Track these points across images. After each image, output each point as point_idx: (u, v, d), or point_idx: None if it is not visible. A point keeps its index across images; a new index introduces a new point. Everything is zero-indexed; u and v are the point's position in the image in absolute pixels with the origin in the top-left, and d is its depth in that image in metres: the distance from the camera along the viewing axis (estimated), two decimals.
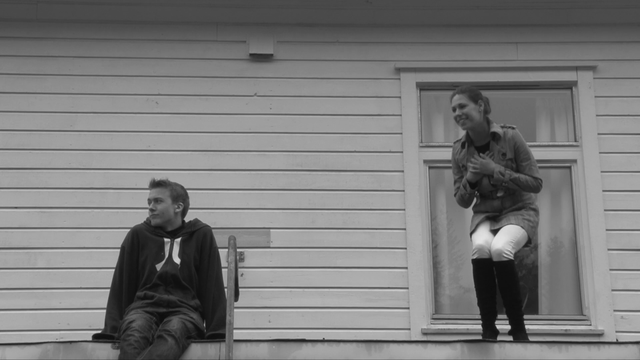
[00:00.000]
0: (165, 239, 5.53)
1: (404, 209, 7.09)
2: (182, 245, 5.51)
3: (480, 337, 5.42)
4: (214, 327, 5.36)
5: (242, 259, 6.92)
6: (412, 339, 6.71)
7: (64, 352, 5.09)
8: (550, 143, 7.35)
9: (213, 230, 5.67)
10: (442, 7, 7.45)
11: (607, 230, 7.03)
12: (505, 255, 5.42)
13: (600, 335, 6.79)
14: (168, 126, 7.22)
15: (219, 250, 5.61)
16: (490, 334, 5.47)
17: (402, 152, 7.21)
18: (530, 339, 5.42)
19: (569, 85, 7.41)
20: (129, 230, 5.65)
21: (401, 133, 7.25)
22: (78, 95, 7.26)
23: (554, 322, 6.93)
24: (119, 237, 5.72)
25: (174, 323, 5.10)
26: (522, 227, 5.52)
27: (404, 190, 7.13)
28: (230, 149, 7.20)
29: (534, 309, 6.92)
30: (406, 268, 6.97)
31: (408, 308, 6.90)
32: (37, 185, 7.06)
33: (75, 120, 7.21)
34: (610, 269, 6.96)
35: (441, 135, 7.36)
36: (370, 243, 7.02)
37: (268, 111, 7.29)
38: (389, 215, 7.08)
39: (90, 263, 6.88)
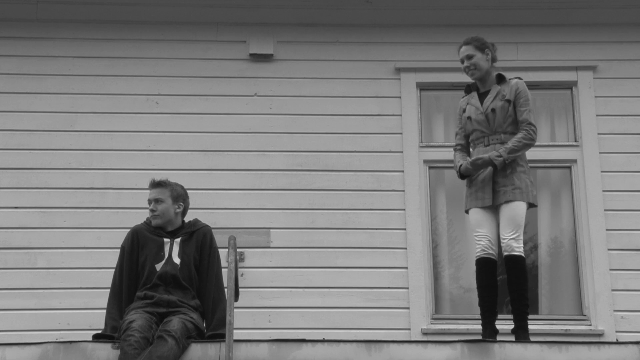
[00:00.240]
0: (165, 239, 5.53)
1: (404, 209, 7.09)
2: (182, 246, 5.51)
3: (480, 337, 5.42)
4: (214, 327, 5.36)
5: (242, 259, 6.92)
6: (412, 339, 6.71)
7: (64, 352, 5.09)
8: (551, 143, 7.36)
9: (213, 230, 5.66)
10: (442, 7, 7.46)
11: (607, 230, 7.03)
12: (516, 250, 5.44)
13: (600, 335, 6.79)
14: (168, 126, 7.22)
15: (219, 250, 5.61)
16: (490, 333, 5.48)
17: (402, 152, 7.21)
18: (531, 338, 5.41)
19: (569, 85, 7.41)
20: (129, 230, 5.64)
21: (401, 133, 7.25)
22: (78, 95, 7.27)
23: (554, 322, 6.93)
24: (119, 237, 5.72)
25: (174, 323, 5.10)
26: (519, 202, 5.50)
27: (404, 190, 7.13)
28: (230, 149, 7.20)
29: (534, 309, 6.91)
30: (406, 268, 6.97)
31: (408, 308, 6.90)
32: (37, 185, 7.06)
33: (75, 120, 7.21)
34: (611, 269, 6.96)
35: (441, 135, 7.36)
36: (370, 243, 7.02)
37: (268, 111, 7.29)
38: (389, 215, 7.08)
39: (90, 263, 6.88)
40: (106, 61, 7.34)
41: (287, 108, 7.29)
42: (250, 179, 7.13)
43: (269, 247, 7.00)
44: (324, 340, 5.17)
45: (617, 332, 6.81)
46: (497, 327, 5.56)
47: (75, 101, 7.25)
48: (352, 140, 7.23)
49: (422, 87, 7.40)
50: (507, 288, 5.53)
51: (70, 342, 5.16)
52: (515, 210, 5.50)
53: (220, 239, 5.67)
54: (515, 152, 5.54)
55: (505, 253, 5.50)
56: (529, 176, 5.60)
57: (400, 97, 7.33)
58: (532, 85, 6.83)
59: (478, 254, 5.61)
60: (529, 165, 5.75)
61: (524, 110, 5.61)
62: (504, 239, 5.51)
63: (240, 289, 5.36)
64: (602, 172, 7.15)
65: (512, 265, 5.48)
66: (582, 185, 7.16)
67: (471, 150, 5.78)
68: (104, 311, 5.47)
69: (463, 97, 5.89)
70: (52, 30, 7.38)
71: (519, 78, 5.75)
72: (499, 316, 5.69)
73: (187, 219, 5.71)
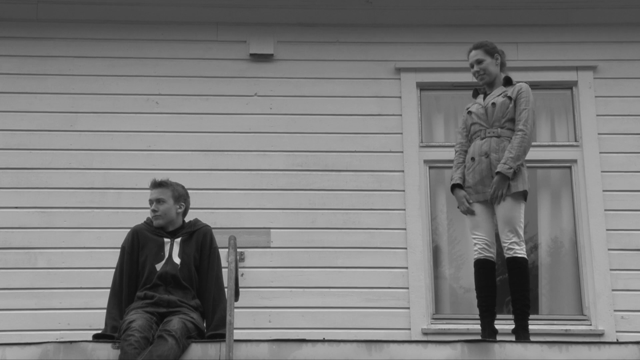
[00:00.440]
0: (165, 239, 5.53)
1: (404, 209, 7.09)
2: (182, 245, 5.51)
3: (480, 337, 5.42)
4: (214, 327, 5.36)
5: (242, 259, 6.92)
6: (412, 339, 6.71)
7: (64, 352, 5.08)
8: (551, 143, 7.36)
9: (213, 230, 5.66)
10: (442, 7, 7.46)
11: (607, 230, 7.03)
12: (519, 253, 5.44)
13: (600, 335, 6.79)
14: (168, 126, 7.22)
15: (219, 250, 5.61)
16: (489, 333, 5.48)
17: (402, 152, 7.21)
18: (531, 338, 5.41)
19: (569, 85, 7.41)
20: (129, 230, 5.64)
21: (401, 133, 7.25)
22: (78, 95, 7.27)
23: (554, 322, 6.93)
24: (119, 237, 5.71)
25: (174, 323, 5.10)
26: (515, 203, 5.49)
27: (404, 190, 7.13)
28: (230, 149, 7.20)
29: (534, 309, 6.89)
30: (406, 268, 6.98)
31: (408, 308, 6.90)
32: (37, 185, 7.06)
33: (76, 120, 7.21)
34: (611, 269, 6.96)
35: (441, 135, 7.36)
36: (370, 243, 7.02)
37: (268, 111, 7.29)
38: (389, 215, 7.08)
39: (90, 263, 6.88)
40: (106, 61, 7.34)
41: (287, 108, 7.29)
42: (250, 179, 7.13)
43: (269, 247, 7.00)
44: (324, 340, 5.17)
45: (617, 332, 6.81)
46: (497, 327, 5.56)
47: (75, 101, 7.25)
48: (352, 140, 7.23)
49: (422, 87, 7.40)
50: (509, 288, 5.53)
51: (70, 342, 5.16)
52: (512, 212, 5.50)
53: (220, 239, 5.67)
54: (520, 158, 5.54)
55: (507, 255, 5.50)
56: (524, 168, 5.59)
57: (400, 97, 7.33)
58: (532, 85, 6.82)
59: (476, 256, 5.61)
60: (530, 164, 5.75)
61: (522, 110, 5.60)
62: (505, 243, 5.50)
63: (240, 289, 5.36)
64: (602, 172, 7.15)
65: (515, 266, 5.48)
66: (582, 185, 7.16)
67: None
68: (104, 311, 5.47)
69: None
70: (52, 30, 7.38)
71: (525, 84, 5.76)
72: (499, 316, 5.69)
73: (187, 218, 5.71)
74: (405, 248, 7.01)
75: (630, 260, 6.99)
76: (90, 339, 5.29)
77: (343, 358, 5.07)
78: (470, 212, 5.62)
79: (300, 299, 6.88)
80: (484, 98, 5.77)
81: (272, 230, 7.03)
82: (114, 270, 5.58)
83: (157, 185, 5.61)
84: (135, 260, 5.51)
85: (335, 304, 6.88)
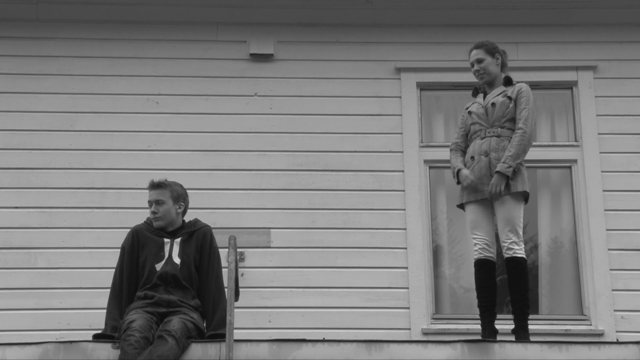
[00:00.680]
0: (165, 239, 5.52)
1: (404, 209, 7.09)
2: (182, 245, 5.51)
3: (480, 337, 5.42)
4: (214, 327, 5.36)
5: (242, 259, 6.92)
6: (412, 339, 6.71)
7: (64, 352, 5.08)
8: (551, 143, 7.36)
9: (213, 230, 5.66)
10: (442, 7, 7.46)
11: (607, 230, 7.03)
12: (518, 253, 5.45)
13: (600, 335, 6.79)
14: (168, 126, 7.22)
15: (219, 250, 5.61)
16: (489, 333, 5.48)
17: (402, 152, 7.21)
18: (531, 338, 5.41)
19: (569, 85, 7.41)
20: (129, 230, 5.64)
21: (401, 133, 7.25)
22: (78, 95, 7.27)
23: (554, 322, 6.93)
24: (119, 237, 5.71)
25: (175, 323, 5.10)
26: (514, 203, 5.49)
27: (404, 190, 7.13)
28: (230, 149, 7.20)
29: (534, 309, 6.90)
30: (406, 268, 6.98)
31: (408, 308, 6.90)
32: (37, 185, 7.06)
33: (76, 120, 7.21)
34: (611, 269, 6.96)
35: (441, 135, 7.36)
36: (370, 243, 7.02)
37: (268, 111, 7.29)
38: (389, 215, 7.08)
39: (90, 263, 6.88)
40: (106, 61, 7.34)
41: (287, 108, 7.29)
42: (250, 179, 7.13)
43: (269, 247, 7.00)
44: (324, 340, 5.17)
45: (617, 332, 6.81)
46: (498, 327, 5.56)
47: (75, 101, 7.25)
48: (352, 140, 7.24)
49: (422, 87, 7.40)
50: (508, 288, 5.53)
51: (70, 342, 5.16)
52: (511, 212, 5.50)
53: (220, 239, 5.67)
54: (520, 157, 5.54)
55: (507, 255, 5.50)
56: (524, 168, 5.59)
57: (400, 97, 7.33)
58: (532, 85, 6.82)
59: (476, 256, 5.62)
60: (530, 164, 5.75)
61: (522, 109, 5.60)
62: (504, 243, 5.51)
63: (240, 289, 5.36)
64: (602, 172, 7.15)
65: (514, 266, 5.48)
66: (582, 185, 7.16)
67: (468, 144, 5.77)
68: (104, 311, 5.47)
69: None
70: (52, 30, 7.38)
71: (525, 84, 5.76)
72: (499, 316, 5.69)
73: (187, 218, 5.71)
74: (405, 248, 7.01)
75: (630, 260, 6.99)
76: (90, 339, 5.29)
77: (343, 358, 5.07)
78: (472, 183, 5.58)
79: (300, 299, 6.88)
80: (484, 98, 5.77)
81: (272, 230, 7.03)
82: (114, 270, 5.57)
83: (155, 186, 5.60)
84: (135, 260, 5.51)
85: (335, 304, 6.88)
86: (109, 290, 5.54)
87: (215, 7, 7.43)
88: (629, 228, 7.04)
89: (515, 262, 5.47)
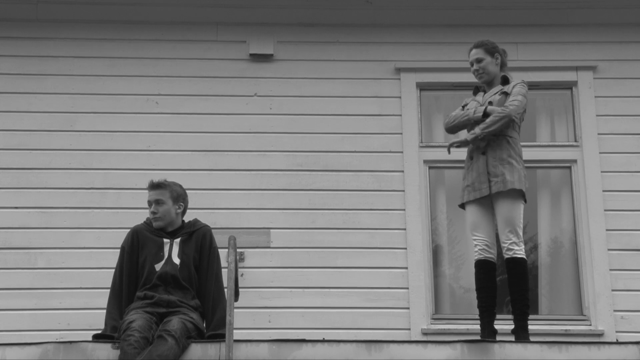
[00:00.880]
0: (165, 239, 5.53)
1: (404, 209, 7.09)
2: (182, 246, 5.51)
3: (480, 338, 5.42)
4: (214, 327, 5.36)
5: (242, 259, 6.92)
6: (412, 339, 6.71)
7: (64, 352, 5.09)
8: (551, 143, 7.36)
9: (213, 230, 5.66)
10: (442, 7, 7.46)
11: (607, 230, 7.03)
12: (518, 253, 5.45)
13: (600, 335, 6.79)
14: (168, 126, 7.22)
15: (219, 250, 5.61)
16: (489, 333, 5.48)
17: (402, 152, 7.21)
18: (531, 339, 5.42)
19: (569, 85, 7.41)
20: (129, 230, 5.64)
21: (401, 133, 7.25)
22: (78, 95, 7.27)
23: (554, 322, 6.93)
24: (119, 237, 5.71)
25: (174, 323, 5.10)
26: (514, 202, 5.50)
27: (404, 190, 7.13)
28: (230, 149, 7.20)
29: (534, 309, 6.90)
30: (406, 268, 6.98)
31: (408, 308, 6.90)
32: (37, 185, 7.06)
33: (75, 120, 7.21)
34: (611, 269, 6.96)
35: (441, 135, 7.36)
36: (370, 243, 7.02)
37: (268, 111, 7.29)
38: (389, 215, 7.08)
39: (90, 263, 6.88)
40: (106, 61, 7.34)
41: (287, 108, 7.29)
42: (250, 179, 7.13)
43: (269, 247, 7.00)
44: (324, 340, 5.17)
45: (617, 332, 6.81)
46: (497, 327, 5.56)
47: (75, 101, 7.25)
48: (352, 140, 7.23)
49: (422, 87, 7.40)
50: (508, 288, 5.53)
51: (70, 342, 5.16)
52: (511, 212, 5.50)
53: (220, 239, 5.67)
54: (489, 127, 5.54)
55: (507, 256, 5.51)
56: (522, 168, 5.58)
57: (400, 97, 7.33)
58: (532, 85, 6.86)
59: (476, 257, 5.62)
60: (530, 164, 5.75)
61: (512, 100, 5.59)
62: (504, 244, 5.51)
63: (240, 289, 5.36)
64: (602, 172, 7.15)
65: (513, 267, 5.49)
66: (582, 185, 7.16)
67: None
68: (104, 311, 5.47)
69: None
70: (52, 30, 7.38)
71: (523, 81, 5.76)
72: (499, 316, 5.69)
73: (187, 218, 5.71)
74: (405, 248, 7.01)
75: (630, 260, 6.99)
76: (90, 339, 5.29)
77: (343, 358, 5.07)
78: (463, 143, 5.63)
79: (300, 299, 6.88)
80: (483, 97, 5.77)
81: (272, 230, 7.03)
82: (113, 270, 5.58)
83: (155, 186, 5.60)
84: (135, 260, 5.51)
85: (335, 304, 6.88)
86: (108, 290, 5.54)
87: (215, 7, 7.43)
88: (628, 228, 7.04)
89: (515, 262, 5.48)
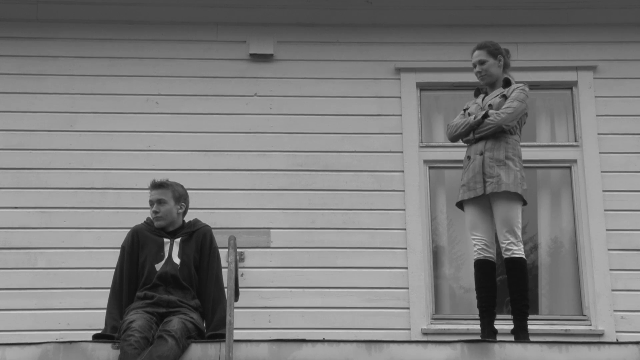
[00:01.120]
0: (165, 239, 5.53)
1: (404, 209, 7.09)
2: (182, 246, 5.51)
3: (480, 338, 5.42)
4: (214, 327, 5.36)
5: (242, 259, 6.92)
6: (412, 339, 6.71)
7: (64, 352, 5.09)
8: (550, 143, 7.36)
9: (213, 230, 5.66)
10: (442, 7, 7.46)
11: (607, 230, 7.03)
12: (517, 253, 5.45)
13: (600, 335, 6.79)
14: (168, 126, 7.22)
15: (219, 250, 5.61)
16: (489, 333, 5.48)
17: (402, 152, 7.21)
18: (531, 339, 5.41)
19: (569, 85, 7.41)
20: (129, 230, 5.64)
21: (401, 133, 7.25)
22: (78, 95, 7.27)
23: (554, 322, 6.93)
24: (119, 237, 5.71)
25: (174, 323, 5.10)
26: (511, 203, 5.49)
27: (404, 191, 7.13)
28: (230, 149, 7.20)
29: (534, 309, 6.90)
30: (406, 268, 6.97)
31: (408, 308, 6.90)
32: (37, 185, 7.06)
33: (75, 120, 7.21)
34: (611, 269, 6.96)
35: (441, 135, 7.35)
36: (370, 243, 7.02)
37: (268, 111, 7.29)
38: (389, 216, 7.08)
39: (90, 263, 6.88)
40: (106, 61, 7.34)
41: (287, 108, 7.29)
42: (250, 179, 7.13)
43: (269, 247, 7.00)
44: (324, 340, 5.17)
45: (617, 332, 6.81)
46: (497, 327, 5.56)
47: (75, 101, 7.25)
48: (352, 140, 7.23)
49: (422, 87, 7.40)
50: (508, 289, 5.53)
51: (70, 342, 5.16)
52: (508, 213, 5.50)
53: (220, 239, 5.67)
54: (480, 134, 5.57)
55: (506, 256, 5.51)
56: (520, 170, 5.57)
57: (400, 97, 7.33)
58: (532, 85, 6.87)
59: (475, 256, 5.62)
60: (530, 164, 5.74)
61: (506, 107, 5.58)
62: (503, 244, 5.51)
63: (240, 289, 5.36)
64: (602, 172, 7.15)
65: (513, 267, 5.49)
66: (582, 185, 7.16)
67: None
68: (104, 311, 5.47)
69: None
70: (52, 30, 7.37)
71: (524, 83, 5.75)
72: (499, 316, 5.69)
73: (187, 218, 5.71)
74: (405, 248, 7.01)
75: (630, 260, 6.98)
76: (90, 339, 5.29)
77: (343, 358, 5.07)
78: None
79: (300, 299, 6.88)
80: (484, 99, 5.77)
81: (272, 230, 7.03)
82: (114, 270, 5.58)
83: (157, 186, 5.60)
84: (135, 260, 5.51)
85: (335, 304, 6.88)
86: (108, 290, 5.54)
87: (215, 7, 7.43)
88: (628, 228, 7.04)
89: (514, 262, 5.47)
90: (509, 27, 7.39)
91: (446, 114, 7.40)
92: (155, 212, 5.55)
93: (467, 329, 6.65)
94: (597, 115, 7.27)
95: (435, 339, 6.49)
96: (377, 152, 7.21)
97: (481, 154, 5.57)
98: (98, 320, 5.61)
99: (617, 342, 5.54)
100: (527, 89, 5.69)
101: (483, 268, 5.59)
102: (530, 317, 5.57)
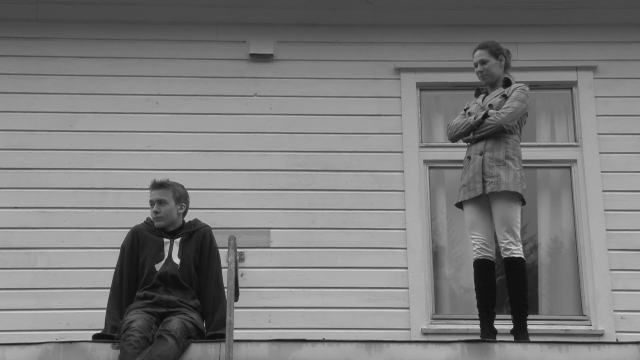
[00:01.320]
0: (165, 239, 5.53)
1: (404, 209, 7.09)
2: (182, 246, 5.51)
3: (479, 338, 5.42)
4: (214, 327, 5.36)
5: (242, 259, 6.92)
6: (412, 339, 6.71)
7: (64, 352, 5.09)
8: (550, 143, 7.36)
9: (213, 230, 5.66)
10: (442, 7, 7.45)
11: (607, 230, 7.03)
12: (515, 253, 5.45)
13: (600, 335, 6.79)
14: (168, 126, 7.22)
15: (219, 250, 5.61)
16: (488, 333, 5.48)
17: (402, 152, 7.21)
18: (530, 339, 5.41)
19: (569, 85, 7.41)
20: (129, 230, 5.64)
21: (401, 133, 7.25)
22: (78, 95, 7.27)
23: (554, 322, 6.93)
24: (119, 237, 5.71)
25: (174, 323, 5.10)
26: (510, 203, 5.49)
27: (404, 191, 7.13)
28: (230, 149, 7.20)
29: (534, 309, 6.91)
30: (406, 268, 6.97)
31: (408, 308, 6.90)
32: (37, 185, 7.06)
33: (75, 120, 7.21)
34: (610, 269, 6.96)
35: (441, 135, 7.35)
36: (370, 243, 7.02)
37: (268, 111, 7.29)
38: (389, 216, 7.08)
39: (90, 263, 6.88)
40: (106, 61, 7.34)
41: (287, 108, 7.29)
42: (250, 179, 7.13)
43: (269, 247, 7.00)
44: (324, 340, 5.17)
45: (617, 332, 6.81)
46: (497, 327, 5.56)
47: (75, 101, 7.25)
48: (352, 140, 7.23)
49: (422, 87, 7.40)
50: (507, 289, 5.53)
51: (70, 342, 5.16)
52: (508, 212, 5.50)
53: (220, 239, 5.67)
54: (481, 133, 5.57)
55: (504, 256, 5.51)
56: (519, 170, 5.57)
57: (400, 97, 7.33)
58: (532, 85, 6.88)
59: (475, 256, 5.62)
60: (530, 164, 5.74)
61: (507, 107, 5.58)
62: (502, 244, 5.51)
63: (240, 289, 5.36)
64: (602, 172, 7.15)
65: (511, 267, 5.49)
66: (582, 185, 7.16)
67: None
68: (104, 311, 5.47)
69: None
70: (52, 30, 7.37)
71: (524, 82, 5.75)
72: (499, 316, 5.69)
73: (187, 218, 5.71)
74: (405, 248, 7.01)
75: (630, 260, 6.98)
76: (90, 339, 5.29)
77: (343, 358, 5.07)
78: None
79: (300, 299, 6.88)
80: (484, 99, 5.77)
81: (272, 230, 7.03)
82: (113, 270, 5.58)
83: (157, 186, 5.60)
84: (135, 260, 5.51)
85: (335, 304, 6.88)
86: (108, 290, 5.54)
87: (215, 7, 7.43)
88: (628, 228, 7.04)
89: (512, 262, 5.47)
90: (509, 27, 7.39)
91: (446, 114, 7.40)
92: (156, 213, 5.55)
93: (467, 329, 6.65)
94: (597, 116, 7.27)
95: (435, 339, 6.49)
96: (377, 152, 7.21)
97: (481, 153, 5.57)
98: (98, 320, 5.61)
99: (617, 342, 5.54)
100: (527, 88, 5.69)
101: (482, 268, 5.59)
102: (530, 317, 5.57)
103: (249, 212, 7.05)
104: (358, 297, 6.91)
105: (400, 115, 7.29)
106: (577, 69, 7.38)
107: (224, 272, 5.35)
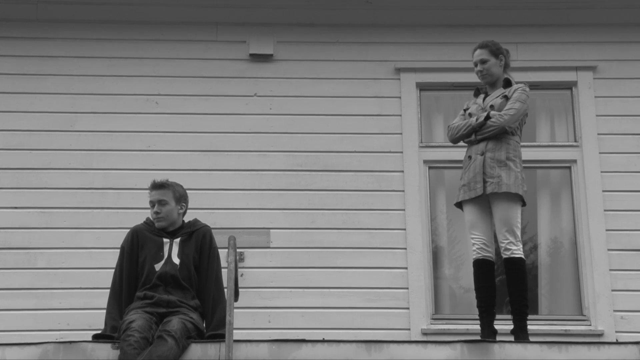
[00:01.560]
0: (165, 239, 5.53)
1: (404, 209, 7.09)
2: (182, 246, 5.51)
3: (479, 338, 5.42)
4: (214, 327, 5.36)
5: (242, 259, 6.92)
6: (412, 339, 6.71)
7: (64, 352, 5.09)
8: (550, 143, 7.36)
9: (213, 230, 5.66)
10: (442, 7, 7.46)
11: (607, 230, 7.03)
12: (516, 253, 5.45)
13: (600, 335, 6.79)
14: (168, 126, 7.22)
15: (219, 250, 5.61)
16: (489, 333, 5.48)
17: (402, 152, 7.21)
18: (530, 339, 5.42)
19: (569, 86, 7.41)
20: (129, 230, 5.64)
21: (401, 133, 7.25)
22: (78, 95, 7.27)
23: (554, 322, 6.93)
24: (119, 237, 5.71)
25: (174, 323, 5.10)
26: (510, 204, 5.49)
27: (404, 191, 7.13)
28: (230, 149, 7.20)
29: (534, 309, 6.91)
30: (406, 268, 6.97)
31: (408, 308, 6.90)
32: (37, 185, 7.06)
33: (75, 120, 7.22)
34: (610, 269, 6.96)
35: (441, 135, 7.36)
36: (370, 243, 7.02)
37: (268, 111, 7.29)
38: (389, 216, 7.08)
39: (90, 263, 6.88)
40: (106, 61, 7.34)
41: (287, 108, 7.29)
42: (250, 179, 7.13)
43: (269, 247, 7.00)
44: (324, 341, 5.17)
45: (617, 332, 6.81)
46: (497, 327, 5.56)
47: (75, 101, 7.25)
48: (352, 140, 7.23)
49: (422, 87, 7.40)
50: (507, 289, 5.53)
51: (70, 342, 5.16)
52: (508, 213, 5.50)
53: (220, 239, 5.67)
54: (483, 135, 5.58)
55: (505, 256, 5.51)
56: (520, 171, 5.57)
57: (400, 97, 7.33)
58: (532, 85, 6.88)
59: (474, 256, 5.62)
60: (530, 164, 5.74)
61: (509, 108, 5.58)
62: (502, 244, 5.51)
63: (240, 289, 5.36)
64: (602, 172, 7.15)
65: (512, 267, 5.49)
66: (582, 185, 7.16)
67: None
68: (104, 311, 5.47)
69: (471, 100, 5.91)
70: (52, 30, 7.38)
71: (525, 83, 5.75)
72: (499, 316, 5.69)
73: (187, 218, 5.71)
74: (405, 248, 7.01)
75: (630, 261, 6.98)
76: (90, 339, 5.29)
77: (343, 358, 5.08)
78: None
79: (300, 299, 6.88)
80: (484, 99, 5.76)
81: (271, 230, 7.03)
82: (113, 270, 5.58)
83: (157, 186, 5.60)
84: (135, 260, 5.51)
85: (335, 304, 6.88)
86: (108, 290, 5.54)
87: (215, 7, 7.43)
88: (628, 228, 7.04)
89: (513, 262, 5.48)
90: (509, 27, 7.40)
91: (446, 114, 7.40)
92: (156, 213, 5.55)
93: (467, 329, 6.65)
94: (597, 116, 7.27)
95: (435, 339, 6.49)
96: (377, 152, 7.21)
97: (482, 154, 5.57)
98: (98, 320, 5.61)
99: (617, 342, 5.54)
100: (527, 89, 5.69)
101: (482, 267, 5.59)
102: (530, 317, 5.57)
103: (249, 212, 7.05)
104: (358, 297, 6.91)
105: (400, 115, 7.29)
106: (577, 69, 7.38)
107: (224, 272, 5.35)
